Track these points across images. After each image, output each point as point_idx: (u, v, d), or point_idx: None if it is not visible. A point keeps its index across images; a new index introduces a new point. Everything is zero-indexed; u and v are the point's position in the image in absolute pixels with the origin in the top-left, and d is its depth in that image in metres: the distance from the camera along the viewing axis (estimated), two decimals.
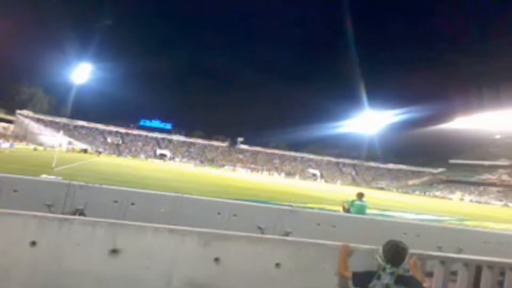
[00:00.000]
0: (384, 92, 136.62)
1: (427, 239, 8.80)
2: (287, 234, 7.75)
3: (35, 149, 72.49)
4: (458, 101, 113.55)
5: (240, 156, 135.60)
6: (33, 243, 3.80)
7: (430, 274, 4.82)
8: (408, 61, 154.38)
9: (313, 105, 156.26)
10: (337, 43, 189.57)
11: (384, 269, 3.84)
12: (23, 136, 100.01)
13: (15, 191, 7.18)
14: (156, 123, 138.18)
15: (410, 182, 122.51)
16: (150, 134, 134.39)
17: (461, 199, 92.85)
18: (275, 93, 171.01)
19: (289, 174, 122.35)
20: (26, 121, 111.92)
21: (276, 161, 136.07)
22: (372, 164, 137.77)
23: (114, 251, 3.94)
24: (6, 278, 3.77)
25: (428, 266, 4.85)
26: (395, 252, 3.88)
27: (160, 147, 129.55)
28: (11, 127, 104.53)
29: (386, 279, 3.76)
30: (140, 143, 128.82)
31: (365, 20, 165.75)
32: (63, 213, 6.85)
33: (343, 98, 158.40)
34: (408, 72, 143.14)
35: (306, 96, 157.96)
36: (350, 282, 4.11)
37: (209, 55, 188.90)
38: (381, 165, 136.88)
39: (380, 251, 3.97)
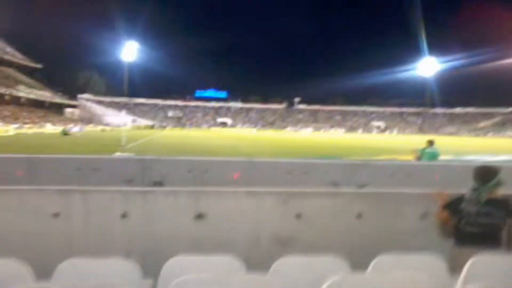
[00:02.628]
0: (446, 33, 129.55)
1: (509, 179, 8.35)
2: (362, 186, 7.63)
3: (103, 130, 76.09)
4: None
5: (300, 116, 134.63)
6: (123, 216, 4.02)
7: None
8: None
9: (370, 52, 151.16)
10: None
11: (474, 189, 3.69)
12: (89, 118, 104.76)
13: (95, 170, 7.53)
14: (211, 92, 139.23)
15: (481, 124, 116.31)
16: (208, 104, 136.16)
17: None
18: (328, 44, 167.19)
19: (352, 129, 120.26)
20: (88, 104, 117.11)
21: (337, 117, 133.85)
22: (438, 110, 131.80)
23: (199, 216, 4.10)
24: (107, 248, 4.05)
25: None
26: (483, 171, 3.78)
27: (219, 116, 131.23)
28: (77, 111, 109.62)
29: (475, 199, 3.63)
30: (199, 114, 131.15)
31: None
32: (143, 187, 7.11)
33: (402, 43, 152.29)
34: (470, 10, 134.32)
35: (361, 44, 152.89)
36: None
37: (256, 21, 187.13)
38: (448, 110, 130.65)
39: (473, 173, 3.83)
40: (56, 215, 3.97)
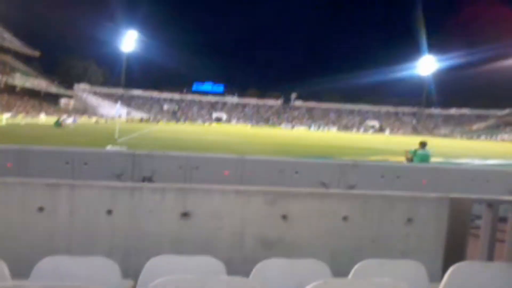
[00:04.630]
0: (443, 33, 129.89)
1: (498, 184, 8.44)
2: (351, 187, 7.66)
3: (96, 122, 75.63)
4: None
5: (295, 113, 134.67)
6: (109, 212, 4.00)
7: (504, 220, 4.59)
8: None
9: (367, 51, 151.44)
10: None
11: None
12: (83, 109, 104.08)
13: (85, 163, 7.51)
14: (208, 86, 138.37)
15: (475, 126, 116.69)
16: (204, 98, 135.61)
17: None
18: (327, 41, 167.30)
19: (346, 127, 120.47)
20: (84, 94, 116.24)
21: (332, 115, 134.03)
22: (433, 110, 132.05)
23: (185, 214, 4.09)
24: (90, 245, 4.02)
25: (501, 211, 4.61)
26: None
27: (215, 110, 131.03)
28: (72, 102, 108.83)
29: None
30: (195, 108, 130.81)
31: None
32: (132, 181, 7.10)
33: (400, 42, 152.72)
34: (466, 11, 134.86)
35: (358, 42, 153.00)
36: None
37: (256, 13, 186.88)
38: (443, 111, 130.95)
39: None
40: (41, 209, 3.94)
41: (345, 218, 4.29)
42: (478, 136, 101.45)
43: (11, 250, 3.74)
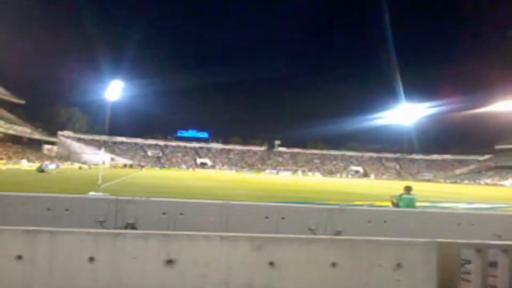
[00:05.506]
0: (421, 82, 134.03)
1: (483, 228, 8.45)
2: (338, 233, 7.60)
3: (80, 168, 74.96)
4: (497, 86, 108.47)
5: (280, 159, 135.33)
6: (91, 259, 3.88)
7: (493, 264, 4.55)
8: (443, 49, 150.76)
9: (348, 99, 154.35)
10: (373, 34, 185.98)
11: None
12: (67, 156, 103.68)
13: (67, 210, 7.34)
14: (192, 133, 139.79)
15: (457, 171, 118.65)
16: (189, 144, 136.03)
17: None
18: (308, 90, 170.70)
19: (331, 172, 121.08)
20: (68, 141, 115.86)
21: (317, 160, 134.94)
22: (416, 156, 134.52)
23: (170, 262, 3.98)
24: None
25: (490, 255, 4.57)
26: None
27: (199, 156, 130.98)
28: (55, 148, 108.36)
29: None
30: (180, 154, 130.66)
31: (401, 9, 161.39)
32: (115, 228, 6.93)
33: (379, 91, 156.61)
34: (443, 61, 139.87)
35: (340, 91, 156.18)
36: None
37: (238, 62, 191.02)
38: (425, 157, 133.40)
39: None
40: (19, 257, 3.80)
41: (333, 265, 4.20)
42: (462, 180, 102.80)
43: None
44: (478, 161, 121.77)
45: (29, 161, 70.27)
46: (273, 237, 4.36)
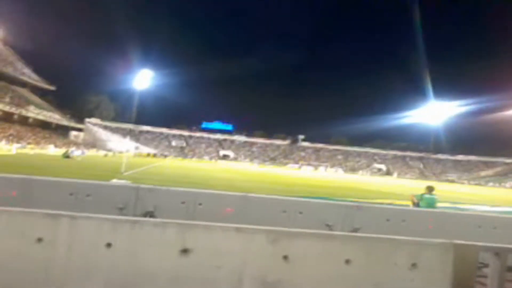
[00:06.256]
0: (451, 80, 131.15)
1: (505, 232, 8.27)
2: (356, 230, 7.56)
3: (105, 155, 76.26)
4: None
5: (302, 153, 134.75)
6: (109, 245, 3.94)
7: None
8: (473, 48, 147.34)
9: (376, 97, 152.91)
10: (401, 31, 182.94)
11: None
12: (93, 143, 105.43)
13: (88, 195, 7.49)
14: (217, 125, 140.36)
15: (483, 173, 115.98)
16: (212, 136, 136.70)
17: None
18: (336, 87, 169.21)
19: (353, 169, 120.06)
20: (95, 128, 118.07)
21: (340, 157, 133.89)
22: (441, 156, 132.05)
23: (185, 251, 4.01)
24: (87, 279, 3.93)
25: (510, 260, 4.49)
26: None
27: (223, 148, 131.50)
28: (81, 135, 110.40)
29: None
30: (203, 145, 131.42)
31: (431, 7, 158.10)
32: (134, 216, 7.05)
33: (408, 89, 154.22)
34: (474, 60, 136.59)
35: (368, 89, 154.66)
36: None
37: (266, 55, 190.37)
38: (450, 157, 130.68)
39: None
40: (39, 240, 3.90)
41: (347, 261, 4.19)
42: (486, 183, 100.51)
43: (3, 281, 3.68)
44: (506, 163, 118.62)
45: (56, 146, 71.65)
46: (289, 231, 4.36)
